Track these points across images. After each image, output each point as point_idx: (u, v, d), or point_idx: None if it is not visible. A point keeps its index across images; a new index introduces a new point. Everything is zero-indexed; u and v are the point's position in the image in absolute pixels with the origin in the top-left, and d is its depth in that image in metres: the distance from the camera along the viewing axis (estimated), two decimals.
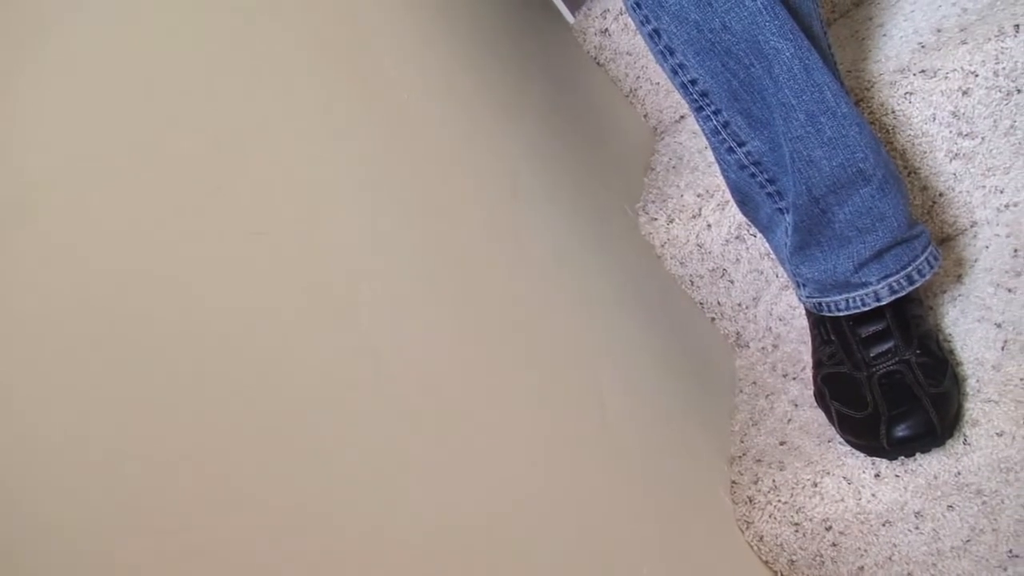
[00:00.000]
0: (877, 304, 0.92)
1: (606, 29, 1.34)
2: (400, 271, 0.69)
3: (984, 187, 1.08)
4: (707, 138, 0.91)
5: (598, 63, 1.37)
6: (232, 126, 0.59)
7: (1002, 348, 0.94)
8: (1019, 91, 1.02)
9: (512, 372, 0.78)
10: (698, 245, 1.13)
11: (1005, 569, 0.96)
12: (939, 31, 1.08)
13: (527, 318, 0.85)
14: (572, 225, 1.03)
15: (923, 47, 1.07)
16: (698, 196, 1.12)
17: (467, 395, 0.70)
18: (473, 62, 1.02)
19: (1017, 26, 1.00)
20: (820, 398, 1.00)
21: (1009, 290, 0.99)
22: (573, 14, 1.40)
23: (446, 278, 0.75)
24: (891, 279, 0.91)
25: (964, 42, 1.02)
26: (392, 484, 0.58)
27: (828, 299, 0.94)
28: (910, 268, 0.91)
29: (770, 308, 1.17)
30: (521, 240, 0.91)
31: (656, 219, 1.15)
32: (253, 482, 0.49)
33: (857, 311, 0.93)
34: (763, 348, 1.18)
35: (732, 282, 1.15)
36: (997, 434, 0.89)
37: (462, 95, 0.95)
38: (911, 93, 1.04)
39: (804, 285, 0.95)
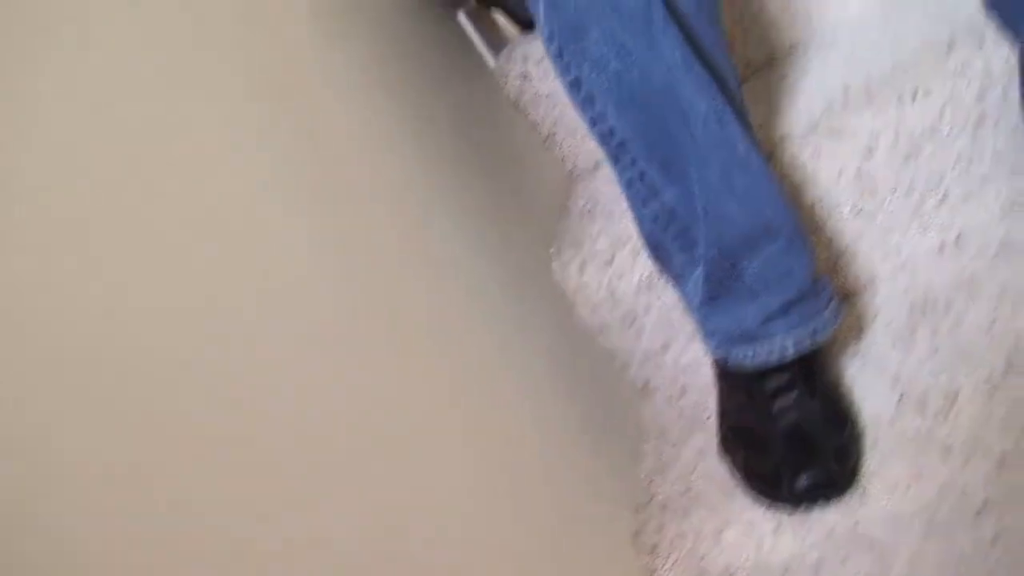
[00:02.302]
0: (783, 357, 0.94)
1: (526, 73, 1.35)
2: (313, 292, 0.68)
3: (884, 245, 1.11)
4: (622, 188, 0.92)
5: (518, 107, 1.37)
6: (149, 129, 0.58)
7: (898, 403, 0.96)
8: (916, 155, 1.06)
9: (421, 407, 0.77)
10: (610, 292, 1.14)
11: None
12: (846, 93, 1.12)
13: (439, 354, 0.84)
14: (486, 266, 1.04)
15: (831, 107, 1.11)
16: (611, 243, 1.13)
17: (377, 426, 0.69)
18: (394, 100, 1.02)
19: (915, 93, 1.04)
20: (725, 448, 1.01)
21: (906, 346, 1.02)
22: (494, 58, 1.41)
23: (356, 308, 0.74)
24: (796, 333, 0.93)
25: (869, 105, 1.06)
26: (313, 507, 0.57)
27: (735, 351, 0.95)
28: (814, 323, 0.94)
29: (678, 357, 1.18)
30: (433, 276, 0.91)
31: (569, 265, 1.15)
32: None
33: (763, 364, 0.94)
34: (671, 397, 1.19)
35: (642, 331, 1.16)
36: (892, 487, 0.91)
37: (382, 131, 0.95)
38: (819, 151, 1.07)
39: (712, 337, 0.97)
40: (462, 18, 1.39)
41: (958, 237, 1.10)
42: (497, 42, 1.47)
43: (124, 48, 0.61)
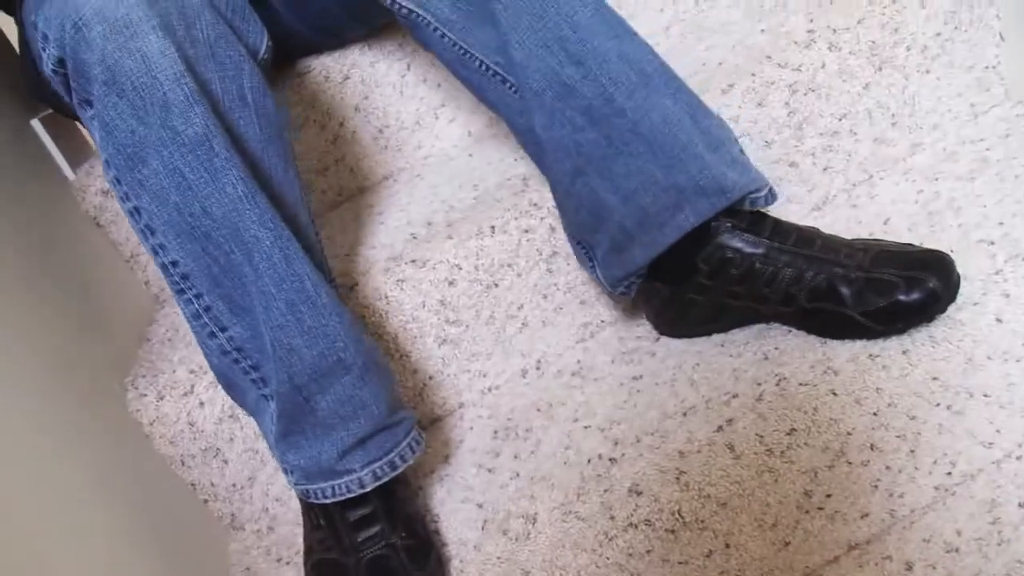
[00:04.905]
0: (362, 491, 0.92)
1: (108, 189, 1.27)
2: None
3: (469, 371, 1.15)
4: (188, 322, 0.88)
5: (98, 224, 1.29)
6: None
7: (482, 528, 0.98)
8: (496, 285, 1.11)
9: None
10: (190, 424, 1.08)
11: None
12: (429, 224, 1.15)
13: None
14: (51, 396, 0.93)
15: (415, 238, 1.13)
16: (191, 372, 1.07)
17: None
18: None
19: (493, 227, 1.09)
20: None
21: (489, 470, 1.04)
22: (74, 170, 1.31)
23: None
24: (375, 465, 0.92)
25: (450, 237, 1.10)
26: None
27: (314, 486, 0.92)
28: (393, 454, 0.93)
29: (266, 489, 1.13)
30: None
31: (146, 395, 1.08)
32: None
33: (343, 498, 0.92)
34: (259, 531, 1.13)
35: (226, 462, 1.10)
36: None
37: None
38: (403, 280, 1.09)
39: (291, 472, 0.93)
40: (36, 125, 1.29)
41: (538, 363, 1.16)
42: (78, 153, 1.37)
43: None
